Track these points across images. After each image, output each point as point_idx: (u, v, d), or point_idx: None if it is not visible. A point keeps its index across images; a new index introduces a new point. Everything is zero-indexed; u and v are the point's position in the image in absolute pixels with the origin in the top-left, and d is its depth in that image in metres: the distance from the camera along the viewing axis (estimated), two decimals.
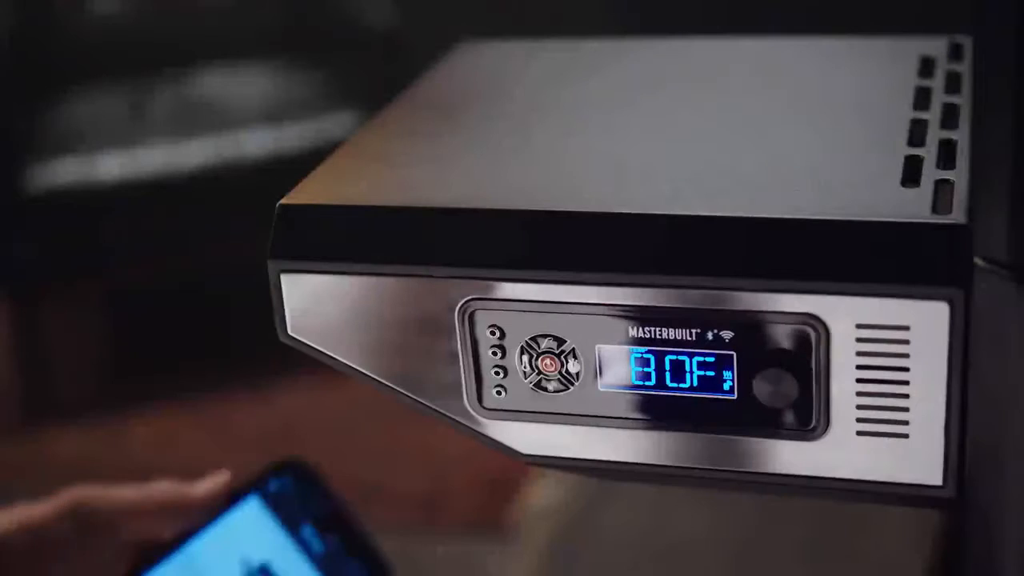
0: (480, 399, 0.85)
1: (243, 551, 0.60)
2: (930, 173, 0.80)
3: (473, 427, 0.86)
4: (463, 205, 0.82)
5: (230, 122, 2.63)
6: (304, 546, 0.61)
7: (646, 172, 0.86)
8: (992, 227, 0.70)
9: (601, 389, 0.82)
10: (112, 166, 2.57)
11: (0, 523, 0.58)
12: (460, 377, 0.85)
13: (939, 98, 0.91)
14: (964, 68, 0.96)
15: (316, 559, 0.61)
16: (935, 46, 1.00)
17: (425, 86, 1.06)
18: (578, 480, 1.58)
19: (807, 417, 0.79)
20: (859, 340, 0.77)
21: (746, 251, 0.78)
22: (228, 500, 0.61)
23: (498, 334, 0.83)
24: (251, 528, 0.61)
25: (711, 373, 0.80)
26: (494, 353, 0.83)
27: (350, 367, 0.86)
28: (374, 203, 0.84)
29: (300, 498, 0.62)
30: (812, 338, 0.77)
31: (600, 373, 0.82)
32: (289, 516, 0.62)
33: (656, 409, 0.82)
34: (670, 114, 0.96)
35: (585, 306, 0.80)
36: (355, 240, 0.83)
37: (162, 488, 0.63)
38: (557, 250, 0.80)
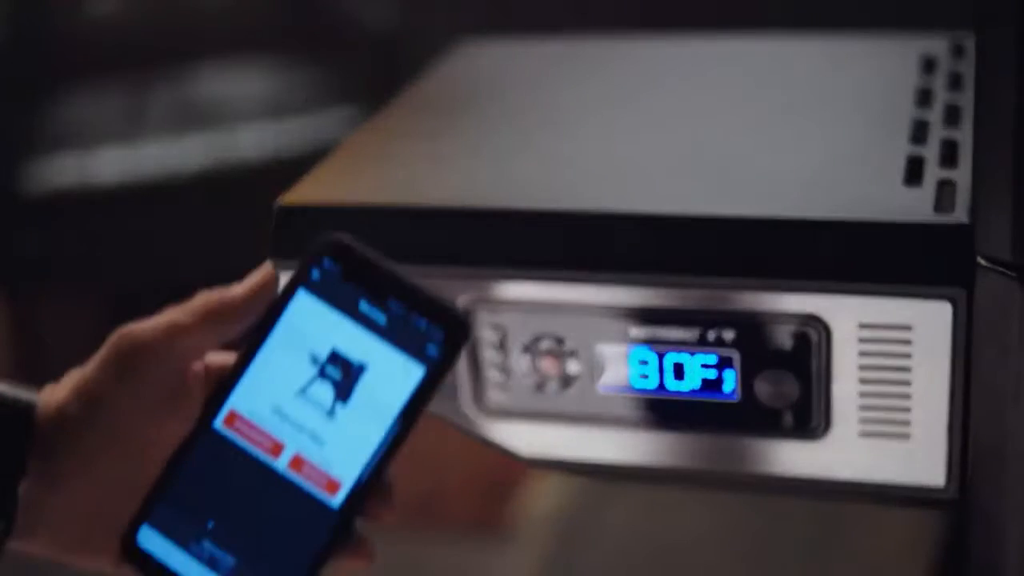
0: (480, 399, 0.85)
1: (308, 347, 0.58)
2: (932, 173, 0.80)
3: (473, 427, 0.86)
4: (463, 205, 0.82)
5: (229, 121, 2.63)
6: (366, 321, 0.58)
7: (647, 172, 0.86)
8: (995, 226, 0.70)
9: (601, 390, 0.82)
10: (112, 165, 2.57)
11: (56, 396, 0.55)
12: (460, 378, 0.84)
13: (941, 97, 0.91)
14: (966, 67, 0.95)
15: (382, 331, 0.58)
16: (937, 44, 1.00)
17: (424, 85, 1.06)
18: (578, 482, 1.58)
19: (809, 418, 0.79)
20: (861, 340, 0.76)
21: (747, 251, 0.77)
22: (277, 304, 0.59)
23: (498, 334, 0.83)
24: (308, 322, 0.59)
25: (712, 374, 0.80)
26: (494, 353, 0.83)
27: None
28: (373, 203, 0.84)
29: (347, 275, 0.59)
30: (814, 338, 0.77)
31: (600, 374, 0.82)
32: (342, 297, 0.59)
33: (657, 410, 0.82)
34: (670, 114, 0.95)
35: (585, 306, 0.80)
36: None
37: (201, 299, 0.60)
38: (557, 250, 0.80)
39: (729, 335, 0.79)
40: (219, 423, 0.58)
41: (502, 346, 0.83)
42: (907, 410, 0.77)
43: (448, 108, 1.03)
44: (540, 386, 0.83)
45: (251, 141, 2.69)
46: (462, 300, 0.82)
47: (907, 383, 0.77)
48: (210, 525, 0.57)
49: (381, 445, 0.58)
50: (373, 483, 0.58)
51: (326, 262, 0.60)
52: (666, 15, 1.51)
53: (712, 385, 0.80)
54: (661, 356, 0.80)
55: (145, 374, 0.56)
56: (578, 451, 0.85)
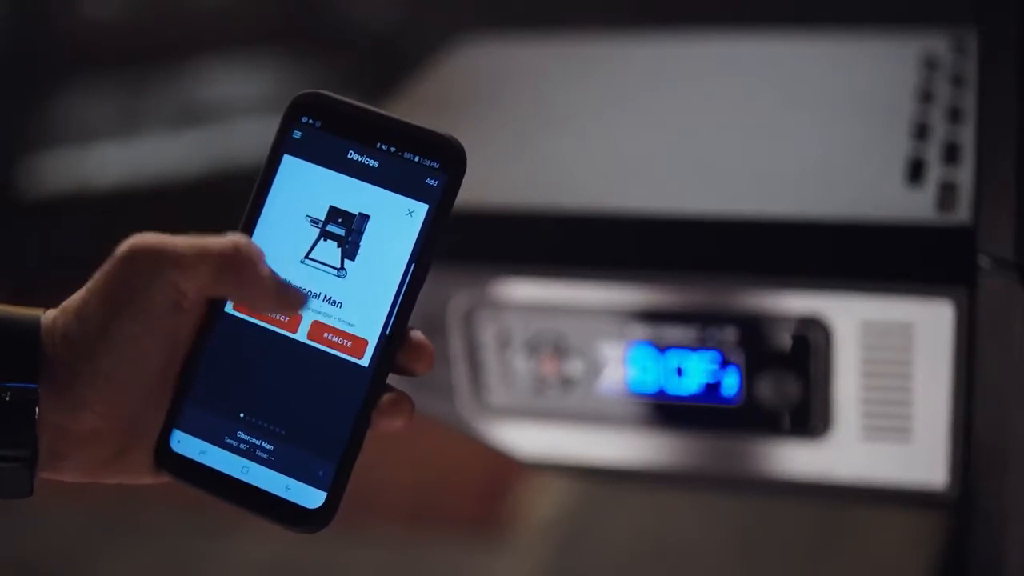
0: (480, 399, 0.84)
1: (304, 211, 0.56)
2: (934, 172, 0.80)
3: (473, 427, 0.86)
4: (463, 205, 0.82)
5: (228, 120, 2.62)
6: (358, 170, 0.57)
7: (647, 171, 0.85)
8: (997, 226, 0.70)
9: (601, 390, 0.82)
10: (111, 164, 2.56)
11: (65, 312, 0.54)
12: (460, 378, 0.84)
13: (943, 96, 0.91)
14: (968, 65, 0.95)
15: (376, 176, 0.57)
16: (939, 42, 1.00)
17: (423, 84, 1.06)
18: (578, 482, 1.58)
19: (809, 418, 0.79)
20: (863, 340, 0.76)
21: (748, 251, 0.77)
22: (263, 177, 0.57)
23: (498, 334, 0.82)
24: (299, 185, 0.57)
25: (712, 374, 0.80)
26: (494, 353, 0.83)
27: None
28: None
29: (328, 127, 0.57)
30: (815, 338, 0.77)
31: (600, 374, 0.82)
32: (327, 151, 0.57)
33: (657, 411, 0.82)
34: (670, 113, 0.95)
35: (585, 306, 0.80)
36: None
37: (230, 240, 0.58)
38: (557, 250, 0.80)
39: (730, 335, 0.78)
40: (231, 307, 0.57)
41: (502, 346, 0.82)
42: (908, 410, 0.77)
43: (447, 107, 1.03)
44: (540, 386, 0.83)
45: (250, 140, 2.68)
46: (462, 300, 0.81)
47: (908, 383, 0.76)
48: (241, 415, 0.56)
49: (399, 294, 0.56)
50: (399, 335, 0.56)
51: (304, 119, 0.58)
52: (666, 15, 1.50)
53: (712, 385, 0.80)
54: (661, 357, 0.80)
55: (159, 285, 0.55)
56: (578, 452, 0.85)
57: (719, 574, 1.55)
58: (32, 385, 0.53)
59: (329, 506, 0.55)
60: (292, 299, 0.56)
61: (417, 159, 0.57)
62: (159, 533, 1.67)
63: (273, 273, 0.56)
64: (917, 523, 1.34)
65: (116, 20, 2.83)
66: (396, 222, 0.57)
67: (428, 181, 0.57)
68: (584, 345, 0.81)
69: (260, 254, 0.56)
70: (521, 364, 0.83)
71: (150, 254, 0.54)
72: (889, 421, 0.77)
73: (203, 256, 0.54)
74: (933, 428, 0.77)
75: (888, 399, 0.77)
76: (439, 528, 1.67)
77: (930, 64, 0.96)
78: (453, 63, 1.09)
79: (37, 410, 0.53)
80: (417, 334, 0.57)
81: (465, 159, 0.57)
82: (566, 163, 0.88)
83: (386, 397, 0.56)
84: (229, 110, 2.78)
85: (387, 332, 0.56)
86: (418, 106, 1.02)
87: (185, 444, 0.57)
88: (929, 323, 0.75)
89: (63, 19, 2.81)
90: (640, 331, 0.80)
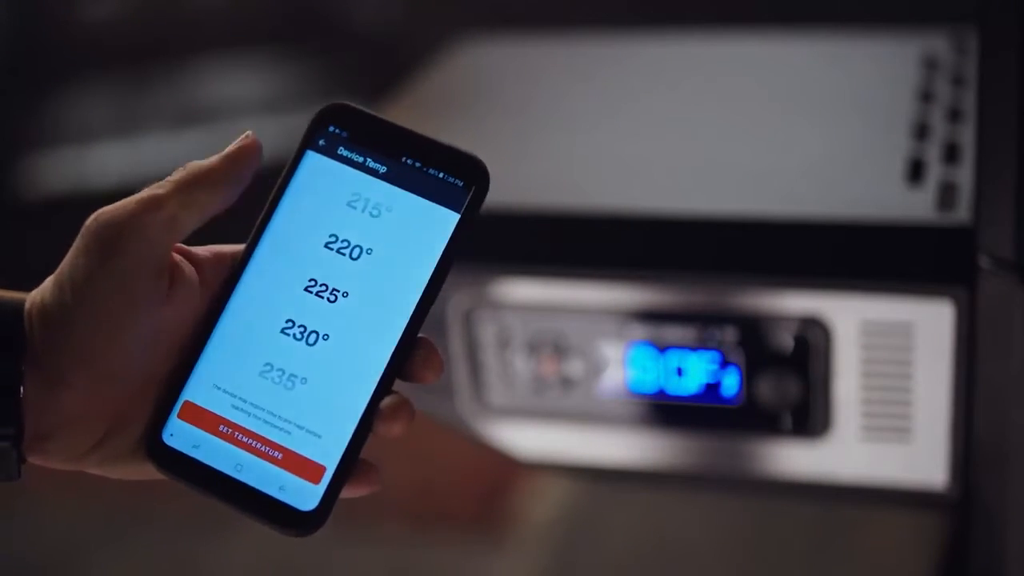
0: (480, 399, 0.84)
1: (325, 202, 0.56)
2: (934, 172, 0.80)
3: (473, 427, 0.85)
4: None
5: (228, 120, 2.62)
6: (383, 175, 0.57)
7: (647, 171, 0.85)
8: (997, 226, 0.70)
9: (601, 390, 0.82)
10: (111, 164, 2.56)
11: (39, 293, 0.54)
12: (460, 378, 0.84)
13: (943, 96, 0.91)
14: (968, 65, 0.95)
15: (402, 182, 0.57)
16: (939, 41, 1.00)
17: (423, 84, 1.06)
18: (578, 482, 1.57)
19: (810, 418, 0.79)
20: (863, 340, 0.76)
21: (748, 251, 0.77)
22: (285, 173, 0.57)
23: (498, 334, 0.82)
24: (321, 179, 0.56)
25: (713, 374, 0.80)
26: (494, 353, 0.83)
27: None
28: None
29: (354, 138, 0.57)
30: (815, 338, 0.77)
31: (600, 374, 0.82)
32: (353, 156, 0.57)
33: (657, 411, 0.82)
34: (671, 113, 0.95)
35: (585, 306, 0.80)
36: None
37: (178, 170, 0.57)
38: (557, 250, 0.80)
39: (730, 335, 0.78)
40: (238, 303, 0.56)
41: (502, 346, 0.82)
42: (908, 410, 0.77)
43: (447, 106, 1.03)
44: (540, 386, 0.83)
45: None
46: (462, 300, 0.81)
47: (908, 383, 0.76)
48: (239, 410, 0.55)
49: (415, 301, 0.55)
50: (411, 341, 0.55)
51: (331, 128, 0.58)
52: (665, 14, 1.50)
53: (712, 385, 0.80)
54: (661, 357, 0.80)
55: (124, 252, 0.53)
56: (578, 452, 0.85)
57: (719, 574, 1.55)
58: (16, 365, 0.53)
59: (322, 509, 0.54)
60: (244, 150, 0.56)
61: (442, 175, 0.57)
62: (159, 533, 1.66)
63: (223, 158, 0.56)
64: (917, 523, 1.34)
65: (116, 20, 2.83)
66: (418, 226, 0.57)
67: (452, 196, 0.57)
68: (584, 345, 0.81)
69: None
70: (521, 364, 0.83)
71: (115, 216, 0.55)
72: (889, 421, 0.77)
73: (158, 201, 0.55)
74: (933, 428, 0.77)
75: (888, 399, 0.77)
76: (439, 528, 1.67)
77: (930, 64, 0.96)
78: (453, 63, 1.09)
79: (22, 389, 0.53)
80: (427, 341, 0.56)
81: (489, 179, 0.57)
82: (566, 163, 0.88)
83: (387, 401, 0.55)
84: (229, 110, 2.78)
85: (400, 337, 0.56)
86: (418, 106, 1.02)
87: (178, 437, 0.55)
88: (929, 323, 0.74)
89: (63, 19, 2.81)
90: (640, 331, 0.80)
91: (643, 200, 0.81)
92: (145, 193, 0.56)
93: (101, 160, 2.60)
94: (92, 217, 0.55)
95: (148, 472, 0.57)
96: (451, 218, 0.57)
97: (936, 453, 0.77)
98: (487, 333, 0.82)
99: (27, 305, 0.55)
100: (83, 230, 0.55)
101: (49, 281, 0.56)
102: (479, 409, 0.85)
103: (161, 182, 0.57)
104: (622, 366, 0.81)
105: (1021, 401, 0.72)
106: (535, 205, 0.81)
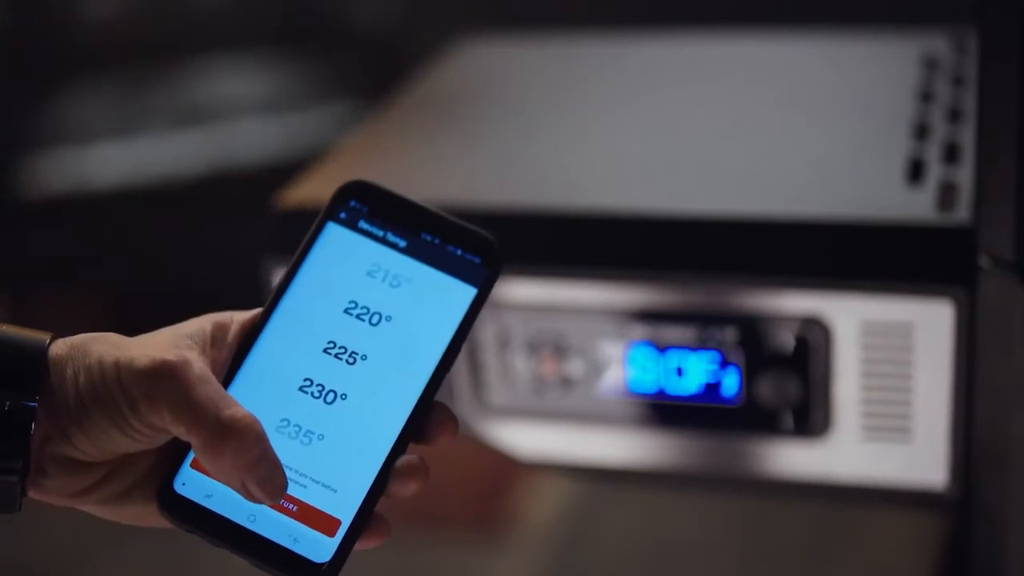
0: (480, 399, 0.84)
1: (343, 273, 0.56)
2: (934, 172, 0.80)
3: (473, 427, 0.85)
4: (463, 205, 0.82)
5: (228, 120, 2.62)
6: (401, 248, 0.58)
7: (647, 171, 0.85)
8: (997, 226, 0.70)
9: (601, 390, 0.82)
10: (111, 164, 2.56)
11: (67, 344, 0.54)
12: (460, 378, 0.84)
13: (943, 96, 0.91)
14: (968, 65, 0.95)
15: (420, 256, 0.58)
16: (939, 41, 1.00)
17: (424, 84, 1.06)
18: (578, 482, 1.57)
19: (810, 418, 0.79)
20: (863, 340, 0.76)
21: (748, 251, 0.77)
22: (305, 242, 0.58)
23: (498, 334, 0.82)
24: (341, 250, 0.57)
25: (713, 374, 0.80)
26: (494, 353, 0.83)
27: None
28: None
29: (374, 213, 0.58)
30: (815, 338, 0.77)
31: (600, 374, 0.81)
32: (371, 232, 0.59)
33: (657, 411, 0.82)
34: (671, 113, 0.95)
35: (585, 306, 0.80)
36: None
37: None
38: (557, 250, 0.80)
39: (730, 335, 0.78)
40: (256, 361, 0.56)
41: (502, 346, 0.82)
42: (908, 410, 0.77)
43: (447, 107, 1.03)
44: (540, 386, 0.83)
45: (250, 139, 2.68)
46: None
47: (909, 383, 0.76)
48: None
49: (432, 370, 0.56)
50: (427, 406, 0.56)
51: (352, 203, 0.59)
52: (666, 15, 1.50)
53: (712, 385, 0.80)
54: (661, 357, 0.80)
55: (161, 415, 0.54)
56: (578, 452, 0.85)
57: (719, 574, 1.55)
58: (32, 404, 0.53)
59: (336, 562, 0.55)
60: (275, 480, 0.53)
61: (460, 252, 0.58)
62: (159, 538, 1.66)
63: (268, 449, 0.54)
64: (917, 523, 1.34)
65: (116, 20, 2.83)
66: (437, 298, 0.58)
67: (470, 272, 0.58)
68: (584, 345, 0.81)
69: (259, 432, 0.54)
70: (521, 364, 0.83)
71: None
72: (889, 421, 0.77)
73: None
74: (933, 428, 0.77)
75: (888, 399, 0.77)
76: (439, 528, 1.67)
77: (930, 64, 0.96)
78: (453, 63, 1.09)
79: (33, 425, 0.53)
80: (443, 406, 0.57)
81: (502, 259, 0.59)
82: (566, 163, 0.88)
83: (402, 460, 0.56)
84: (229, 110, 2.78)
85: (417, 401, 0.56)
86: (418, 106, 1.02)
87: (191, 487, 0.55)
88: (929, 323, 0.74)
89: (63, 19, 2.81)
90: (640, 331, 0.79)
91: (643, 200, 0.81)
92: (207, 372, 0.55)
93: (101, 160, 2.61)
94: (160, 363, 0.53)
95: (146, 517, 0.56)
96: (469, 292, 0.58)
97: (936, 453, 0.77)
98: (487, 333, 0.82)
99: (53, 353, 0.55)
100: (137, 374, 0.54)
101: (85, 335, 0.55)
102: (479, 409, 0.84)
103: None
104: (622, 366, 0.81)
105: (1021, 401, 0.72)
106: (535, 205, 0.81)
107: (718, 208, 0.78)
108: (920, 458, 0.78)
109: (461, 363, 0.83)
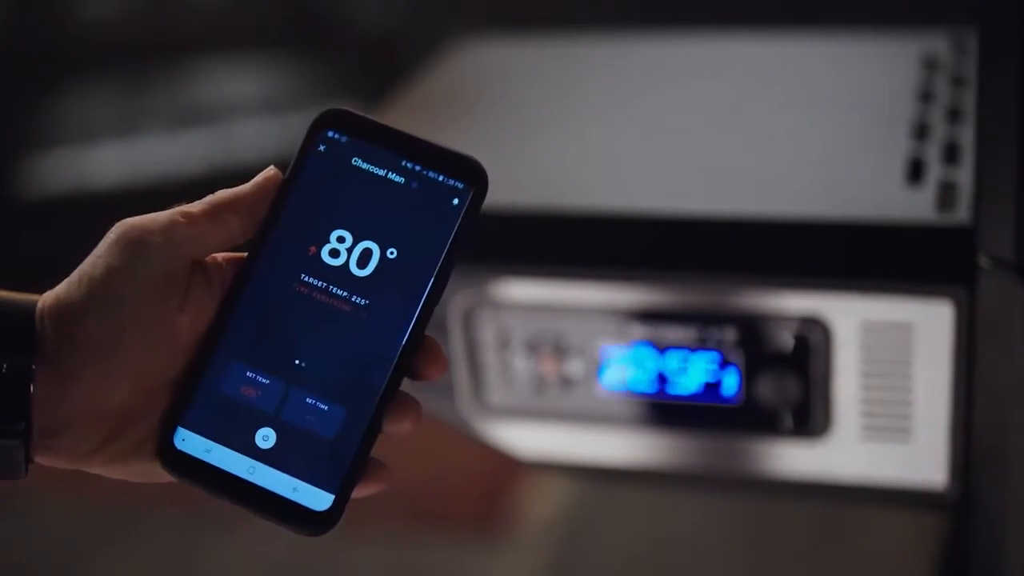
0: (480, 399, 0.84)
1: (332, 200, 0.57)
2: (934, 172, 0.80)
3: (473, 427, 0.85)
4: None
5: (228, 119, 2.62)
6: (385, 179, 0.58)
7: (647, 171, 0.85)
8: (997, 226, 0.70)
9: (601, 390, 0.82)
10: (111, 164, 2.56)
11: (55, 290, 0.55)
12: (460, 377, 0.84)
13: (943, 96, 0.91)
14: (968, 65, 0.95)
15: (403, 186, 0.57)
16: (939, 41, 1.00)
17: (423, 84, 1.06)
18: (578, 482, 1.58)
19: (810, 418, 0.79)
20: (863, 340, 0.76)
21: (747, 251, 0.77)
22: (288, 174, 0.58)
23: (498, 334, 0.82)
24: (326, 179, 0.57)
25: (713, 374, 0.80)
26: (494, 353, 0.83)
27: None
28: None
29: (353, 143, 0.58)
30: (815, 338, 0.77)
31: (600, 374, 0.81)
32: (355, 157, 0.58)
33: (657, 411, 0.82)
34: (671, 113, 0.95)
35: (585, 306, 0.80)
36: None
37: (210, 195, 0.58)
38: (557, 250, 0.80)
39: (730, 335, 0.78)
40: (246, 305, 0.56)
41: (502, 346, 0.82)
42: (908, 410, 0.77)
43: (448, 107, 1.03)
44: (540, 386, 0.83)
45: (250, 139, 2.68)
46: (462, 300, 0.81)
47: (908, 383, 0.76)
48: (251, 413, 0.55)
49: (421, 301, 0.55)
50: (418, 341, 0.55)
51: (329, 134, 0.59)
52: (665, 15, 1.50)
53: (712, 385, 0.80)
54: (661, 357, 0.80)
55: (147, 258, 0.55)
56: (578, 452, 0.85)
57: (719, 574, 1.55)
58: (27, 364, 0.54)
59: (336, 509, 0.55)
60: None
61: (442, 178, 0.58)
62: (159, 533, 1.67)
63: (251, 188, 0.57)
64: (917, 523, 1.34)
65: (116, 20, 2.83)
66: (421, 226, 0.57)
67: (453, 198, 0.58)
68: (584, 345, 0.81)
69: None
70: (521, 364, 0.83)
71: (145, 222, 0.56)
72: (889, 421, 0.77)
73: (189, 216, 0.56)
74: (933, 428, 0.77)
75: (888, 399, 0.77)
76: (439, 528, 1.67)
77: (930, 64, 0.96)
78: (453, 63, 1.09)
79: (31, 386, 0.53)
80: (431, 339, 0.57)
81: (487, 180, 0.58)
82: (566, 163, 0.88)
83: (396, 399, 0.56)
84: (229, 110, 2.78)
85: (408, 336, 0.56)
86: (419, 106, 1.02)
87: (190, 442, 0.56)
88: (929, 323, 0.74)
89: (63, 19, 2.81)
90: (640, 331, 0.80)
91: (643, 200, 0.81)
92: (176, 209, 0.57)
93: (101, 160, 2.61)
94: (121, 222, 0.56)
95: (154, 474, 0.57)
96: (452, 219, 0.57)
97: (936, 453, 0.77)
98: (487, 333, 0.82)
99: (39, 305, 0.55)
100: (110, 232, 0.56)
101: (66, 280, 0.56)
102: (479, 409, 0.85)
103: (193, 203, 0.58)
104: (622, 366, 0.81)
105: (1021, 401, 0.72)
106: (535, 205, 0.81)
107: (718, 208, 0.78)
108: (920, 458, 0.78)
109: (461, 363, 0.83)
